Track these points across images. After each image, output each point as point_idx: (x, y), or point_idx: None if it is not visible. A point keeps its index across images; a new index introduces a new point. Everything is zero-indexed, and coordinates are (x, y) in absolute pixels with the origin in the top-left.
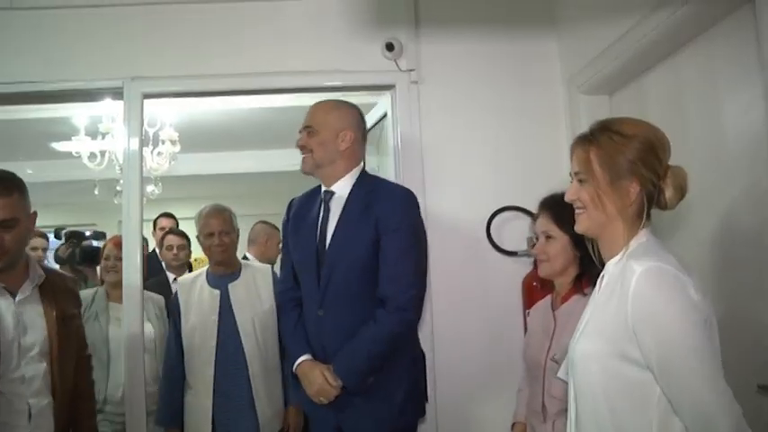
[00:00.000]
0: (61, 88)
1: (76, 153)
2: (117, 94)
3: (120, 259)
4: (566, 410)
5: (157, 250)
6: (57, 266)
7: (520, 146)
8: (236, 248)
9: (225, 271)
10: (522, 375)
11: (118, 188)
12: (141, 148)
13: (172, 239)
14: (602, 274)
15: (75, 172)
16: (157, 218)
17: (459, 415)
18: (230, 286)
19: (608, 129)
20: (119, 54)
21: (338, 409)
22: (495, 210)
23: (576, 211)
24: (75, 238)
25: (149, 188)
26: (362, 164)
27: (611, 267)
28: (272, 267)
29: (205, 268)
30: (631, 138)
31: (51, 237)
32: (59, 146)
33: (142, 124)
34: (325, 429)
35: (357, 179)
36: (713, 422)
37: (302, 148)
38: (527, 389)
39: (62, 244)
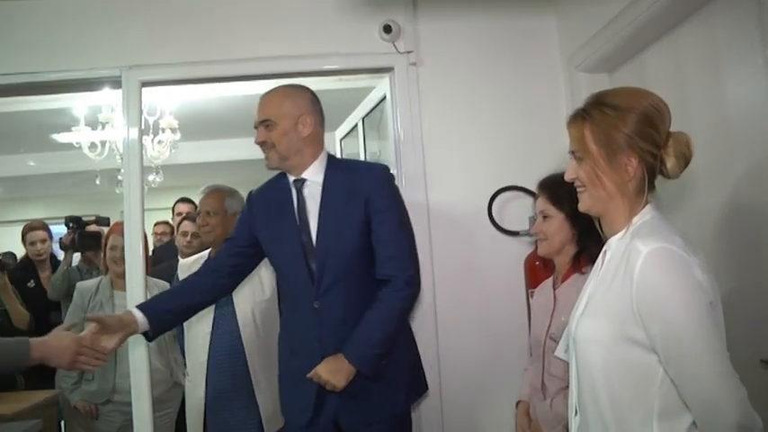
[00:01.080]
0: (59, 78)
1: (77, 144)
2: (115, 82)
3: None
4: (565, 389)
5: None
6: (62, 254)
7: (520, 125)
8: (228, 232)
9: None
10: (528, 355)
11: (119, 177)
12: (141, 136)
13: (187, 226)
14: (603, 250)
15: (77, 163)
16: (175, 203)
17: (465, 395)
18: None
19: (601, 103)
20: (116, 43)
21: (341, 398)
22: (496, 190)
23: (578, 189)
24: (75, 223)
25: (150, 177)
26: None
27: (613, 244)
28: None
29: (208, 251)
30: (626, 110)
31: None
32: (60, 137)
33: (141, 112)
34: (319, 425)
35: (328, 163)
36: (718, 407)
37: (263, 144)
38: (531, 367)
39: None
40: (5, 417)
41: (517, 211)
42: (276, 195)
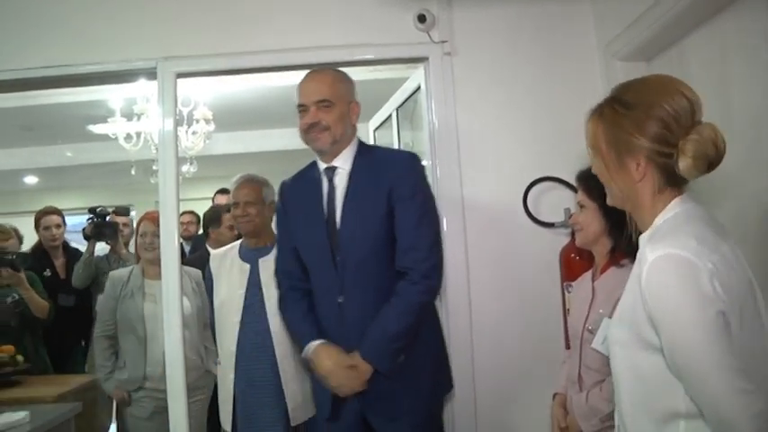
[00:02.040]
0: (95, 70)
1: (113, 135)
2: (150, 74)
3: (157, 236)
4: (601, 381)
5: None
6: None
7: (556, 115)
8: (266, 221)
9: (257, 244)
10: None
11: (154, 167)
12: (176, 127)
13: (230, 219)
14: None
15: (113, 153)
16: (215, 194)
17: (499, 387)
18: (261, 261)
19: (616, 99)
20: (151, 34)
21: (364, 398)
22: (531, 181)
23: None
24: (93, 213)
25: (184, 167)
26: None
27: (641, 243)
28: None
29: (240, 241)
30: (634, 107)
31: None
32: (96, 128)
33: (176, 104)
34: (344, 426)
35: (357, 151)
36: (731, 425)
37: (314, 125)
38: (569, 360)
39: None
40: (46, 399)
41: (553, 203)
42: (307, 185)
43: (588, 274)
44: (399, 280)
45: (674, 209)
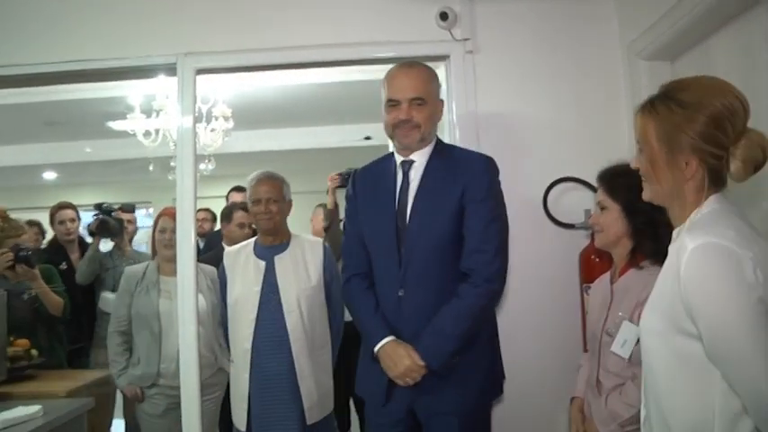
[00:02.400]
0: (115, 66)
1: (131, 131)
2: (170, 70)
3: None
4: (621, 386)
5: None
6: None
7: (578, 115)
8: (284, 219)
9: (273, 242)
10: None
11: (172, 164)
12: (195, 124)
13: (242, 217)
14: (671, 244)
15: (131, 150)
16: (230, 192)
17: (518, 390)
18: (276, 258)
19: (670, 97)
20: (172, 30)
21: (419, 393)
22: (552, 181)
23: (642, 179)
24: (99, 210)
25: (202, 165)
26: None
27: (675, 236)
28: (324, 241)
29: (254, 238)
30: (693, 109)
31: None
32: (115, 125)
33: (195, 100)
34: (391, 413)
35: (434, 147)
36: None
37: (406, 122)
38: (587, 363)
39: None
40: (58, 394)
41: (573, 204)
42: (381, 175)
43: (606, 276)
44: (462, 281)
45: (710, 205)
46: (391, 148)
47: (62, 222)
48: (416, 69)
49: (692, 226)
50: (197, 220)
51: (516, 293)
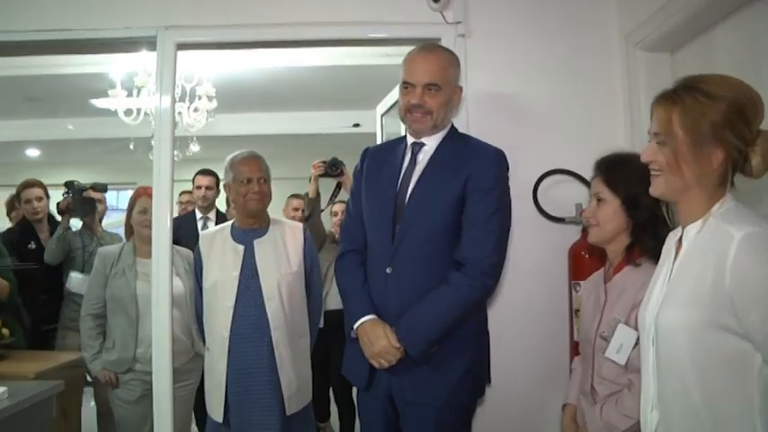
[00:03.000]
0: (92, 37)
1: (113, 109)
2: (150, 44)
3: None
4: (617, 393)
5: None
6: (58, 217)
7: (572, 105)
8: (269, 201)
9: (252, 225)
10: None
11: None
12: (174, 103)
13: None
14: (675, 239)
15: (115, 129)
16: (195, 175)
17: (507, 394)
18: (256, 243)
19: (694, 88)
20: (153, 2)
21: (394, 374)
22: (542, 173)
23: (652, 173)
24: (70, 188)
25: (196, 147)
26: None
27: (691, 232)
28: (304, 226)
29: (231, 221)
30: (719, 99)
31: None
32: (98, 102)
33: (175, 76)
34: (373, 397)
35: (447, 133)
36: None
37: (418, 106)
38: (579, 368)
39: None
40: (27, 376)
41: (564, 197)
42: (390, 155)
43: (598, 275)
44: (455, 269)
45: (731, 201)
46: (385, 137)
47: (29, 201)
48: (436, 54)
49: (724, 217)
50: (180, 202)
51: (501, 289)
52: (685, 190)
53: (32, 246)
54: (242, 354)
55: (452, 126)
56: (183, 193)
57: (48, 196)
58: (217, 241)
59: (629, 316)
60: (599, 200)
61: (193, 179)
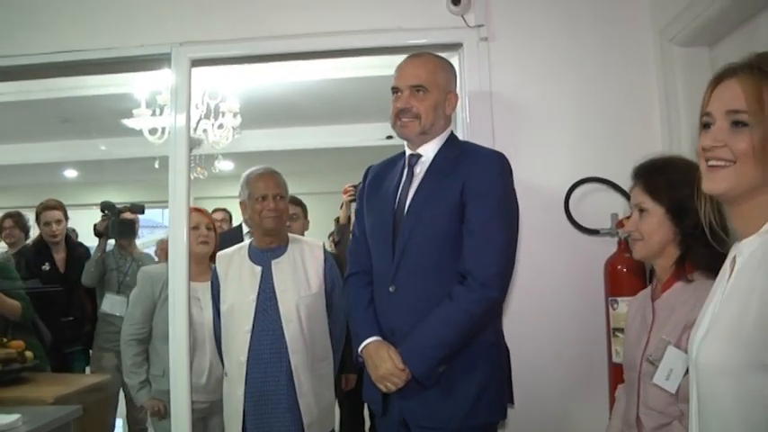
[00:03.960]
0: (105, 57)
1: (138, 128)
2: (166, 61)
3: (210, 228)
4: (666, 425)
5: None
6: (96, 239)
7: (604, 109)
8: (287, 219)
9: (270, 244)
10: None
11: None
12: (189, 120)
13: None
14: (732, 256)
15: (146, 149)
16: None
17: (533, 417)
18: (273, 263)
19: None
20: (166, 18)
21: (403, 398)
22: (574, 181)
23: (713, 162)
24: (109, 210)
25: (221, 164)
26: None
27: (745, 248)
28: (324, 244)
29: (249, 241)
30: None
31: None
32: (127, 122)
33: (190, 93)
34: (389, 422)
35: (446, 140)
36: None
37: (405, 111)
38: (624, 397)
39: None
40: (45, 400)
41: (598, 207)
42: (389, 170)
43: (645, 293)
44: (458, 283)
45: None
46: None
47: (47, 224)
48: (423, 58)
49: None
50: (215, 220)
51: (532, 308)
52: (755, 189)
53: (46, 267)
54: (260, 379)
55: (452, 134)
56: (216, 210)
57: (67, 218)
58: (234, 262)
59: (681, 338)
60: (641, 210)
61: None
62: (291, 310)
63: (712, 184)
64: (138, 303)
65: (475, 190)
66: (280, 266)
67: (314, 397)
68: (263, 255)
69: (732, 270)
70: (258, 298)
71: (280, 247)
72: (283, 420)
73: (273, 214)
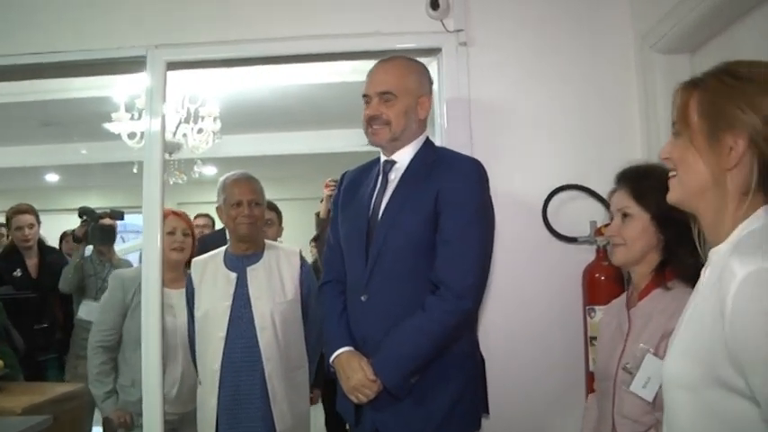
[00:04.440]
0: (79, 58)
1: (117, 132)
2: (141, 64)
3: (187, 234)
4: None
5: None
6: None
7: (584, 116)
8: (262, 225)
9: (245, 251)
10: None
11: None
12: (164, 123)
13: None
14: (705, 267)
15: (129, 153)
16: (195, 217)
17: (509, 428)
18: (249, 270)
19: (724, 70)
20: (142, 20)
21: (375, 410)
22: (552, 189)
23: (670, 174)
24: (88, 215)
25: (204, 169)
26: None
27: (713, 258)
28: (301, 251)
29: (224, 247)
30: (749, 80)
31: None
32: (108, 126)
33: (165, 97)
34: (366, 429)
35: (421, 146)
36: None
37: (374, 118)
38: (596, 406)
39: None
40: (14, 411)
41: (576, 214)
42: (364, 176)
43: (620, 300)
44: (432, 293)
45: (762, 218)
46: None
47: (19, 228)
48: (392, 62)
49: (741, 244)
50: (197, 225)
51: (509, 317)
52: (702, 193)
53: (18, 273)
54: (233, 386)
55: (427, 140)
56: (198, 216)
57: (39, 222)
58: (209, 268)
59: (659, 346)
60: (624, 215)
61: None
62: (266, 317)
63: (669, 193)
64: (108, 308)
65: (450, 198)
66: (255, 273)
67: (288, 404)
68: (239, 261)
69: (702, 281)
70: (233, 305)
71: (255, 254)
72: (256, 428)
73: (248, 221)
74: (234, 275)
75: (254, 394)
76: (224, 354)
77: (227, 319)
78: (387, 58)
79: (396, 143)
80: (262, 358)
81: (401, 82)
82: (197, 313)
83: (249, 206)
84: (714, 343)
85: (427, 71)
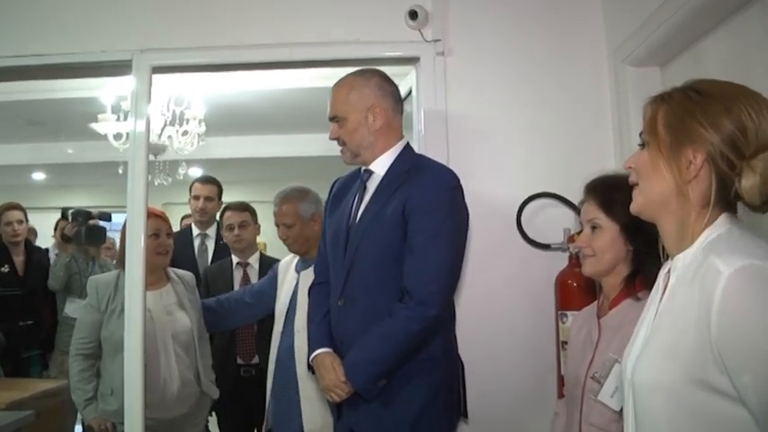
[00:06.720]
0: (68, 61)
1: (103, 132)
2: (126, 67)
3: (169, 234)
4: None
5: (194, 225)
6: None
7: (558, 125)
8: (301, 238)
9: (308, 257)
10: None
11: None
12: (149, 125)
13: (231, 217)
14: (664, 272)
15: (113, 153)
16: (193, 183)
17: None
18: (302, 274)
19: (690, 87)
20: (128, 24)
21: (351, 409)
22: (527, 197)
23: (631, 182)
24: (80, 216)
25: (191, 171)
26: (404, 137)
27: (678, 263)
28: None
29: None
30: (712, 97)
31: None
32: (94, 126)
33: (149, 100)
34: (342, 429)
35: (398, 155)
36: None
37: (336, 140)
38: (564, 412)
39: (68, 223)
40: None
41: (550, 222)
42: (349, 184)
43: (589, 309)
44: (398, 301)
45: (724, 224)
46: None
47: (9, 224)
48: (337, 86)
49: (712, 246)
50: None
51: (484, 322)
52: (664, 203)
53: (5, 269)
54: (278, 379)
55: (406, 147)
56: (185, 217)
57: (27, 220)
58: (289, 268)
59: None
60: (594, 227)
61: (191, 187)
62: (302, 320)
63: (632, 204)
64: (84, 315)
65: (416, 207)
66: (306, 277)
67: (320, 405)
68: (302, 265)
69: (666, 285)
70: (289, 304)
71: (313, 259)
72: (288, 421)
73: (287, 242)
74: (296, 278)
75: (287, 389)
76: (277, 348)
77: (284, 318)
78: (336, 82)
79: (361, 157)
80: (295, 360)
81: (344, 102)
82: (276, 309)
83: (284, 229)
84: (698, 343)
85: (378, 77)
